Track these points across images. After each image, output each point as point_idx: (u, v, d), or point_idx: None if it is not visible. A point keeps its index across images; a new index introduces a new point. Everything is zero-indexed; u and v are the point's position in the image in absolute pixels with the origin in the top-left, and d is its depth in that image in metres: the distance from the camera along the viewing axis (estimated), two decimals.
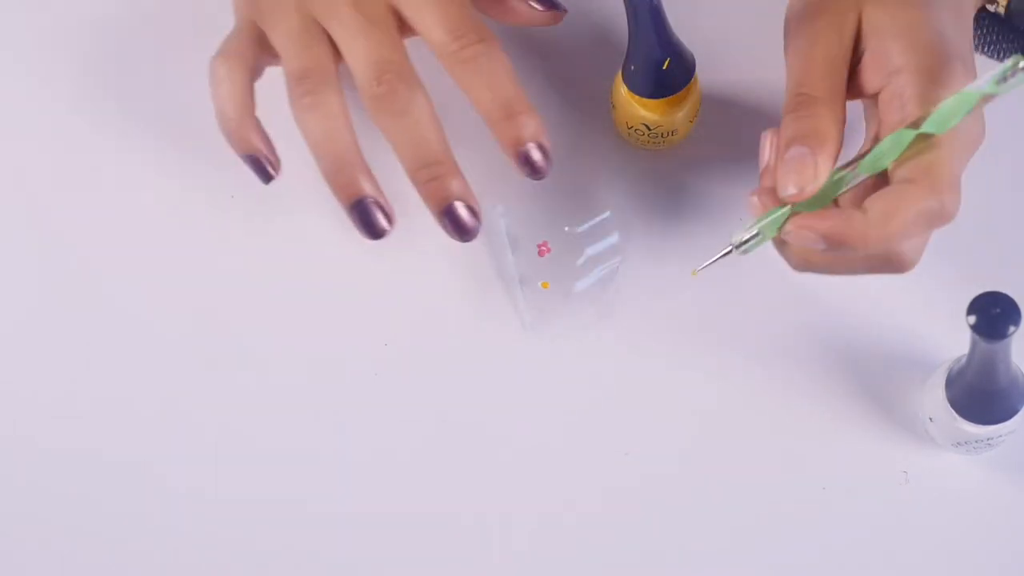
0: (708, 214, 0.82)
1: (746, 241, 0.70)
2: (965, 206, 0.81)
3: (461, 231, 0.75)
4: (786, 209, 0.69)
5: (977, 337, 0.66)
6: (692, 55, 0.78)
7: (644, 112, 0.79)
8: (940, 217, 0.67)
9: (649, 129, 0.80)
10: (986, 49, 0.80)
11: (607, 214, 0.82)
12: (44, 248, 0.84)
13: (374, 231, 0.75)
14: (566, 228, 0.82)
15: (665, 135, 0.80)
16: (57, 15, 0.88)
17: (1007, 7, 0.76)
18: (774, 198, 0.69)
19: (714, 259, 0.72)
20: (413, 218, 0.83)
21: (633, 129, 0.81)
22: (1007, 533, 0.77)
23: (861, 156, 0.69)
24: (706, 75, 0.81)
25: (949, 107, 0.66)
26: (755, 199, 0.70)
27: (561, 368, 0.81)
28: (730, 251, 0.71)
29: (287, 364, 0.82)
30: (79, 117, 0.86)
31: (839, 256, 0.69)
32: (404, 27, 0.77)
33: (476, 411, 0.81)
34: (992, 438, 0.75)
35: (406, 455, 0.80)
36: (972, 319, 0.65)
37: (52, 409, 0.82)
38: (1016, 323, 0.65)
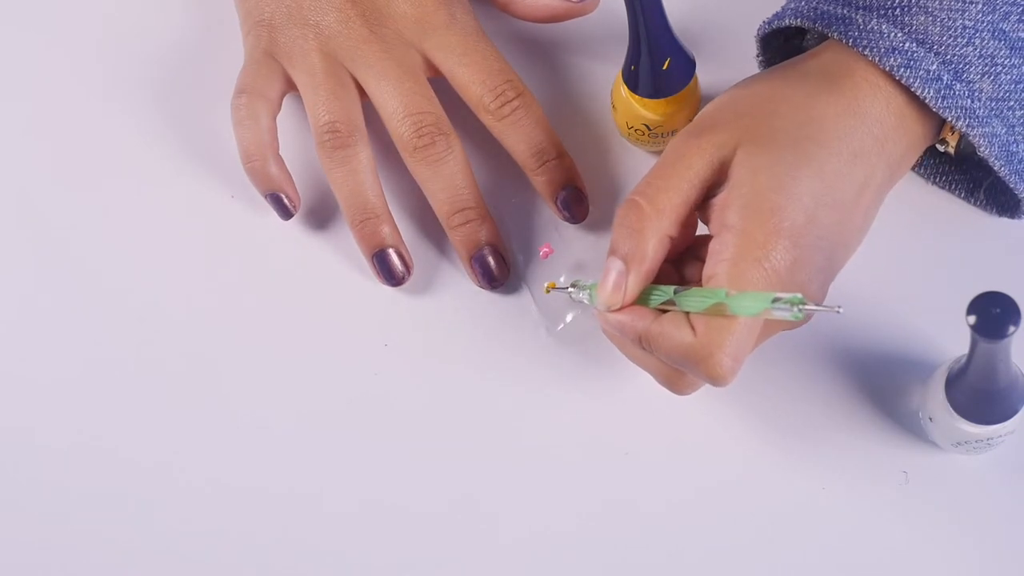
0: None
1: (573, 288, 0.75)
2: (965, 206, 0.81)
3: (490, 278, 0.80)
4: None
5: (977, 337, 0.66)
6: (692, 55, 0.78)
7: (644, 112, 0.79)
8: (706, 374, 0.68)
9: (649, 129, 0.80)
10: (937, 180, 0.80)
11: (610, 216, 0.82)
12: (44, 248, 0.84)
13: (394, 278, 0.80)
14: (577, 231, 0.82)
15: (665, 135, 0.80)
16: (57, 15, 0.88)
17: (956, 148, 0.76)
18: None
19: (564, 288, 0.76)
20: (414, 217, 0.83)
21: (633, 129, 0.81)
22: (1007, 533, 0.77)
23: (686, 287, 0.70)
24: (706, 75, 0.81)
25: (746, 301, 0.67)
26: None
27: (561, 368, 0.81)
28: (568, 289, 0.76)
29: (287, 364, 0.82)
30: (79, 117, 0.87)
31: (633, 347, 0.72)
32: (433, 73, 0.80)
33: (476, 411, 0.80)
34: (992, 438, 0.75)
35: (406, 455, 0.80)
36: (972, 319, 0.65)
37: (52, 408, 0.82)
38: (1016, 323, 0.65)
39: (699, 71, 0.79)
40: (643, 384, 0.80)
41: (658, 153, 0.83)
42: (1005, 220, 0.80)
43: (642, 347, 0.71)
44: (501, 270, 0.80)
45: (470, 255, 0.80)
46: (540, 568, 0.78)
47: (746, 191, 0.69)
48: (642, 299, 0.71)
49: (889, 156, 0.72)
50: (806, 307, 0.67)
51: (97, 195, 0.85)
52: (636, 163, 0.83)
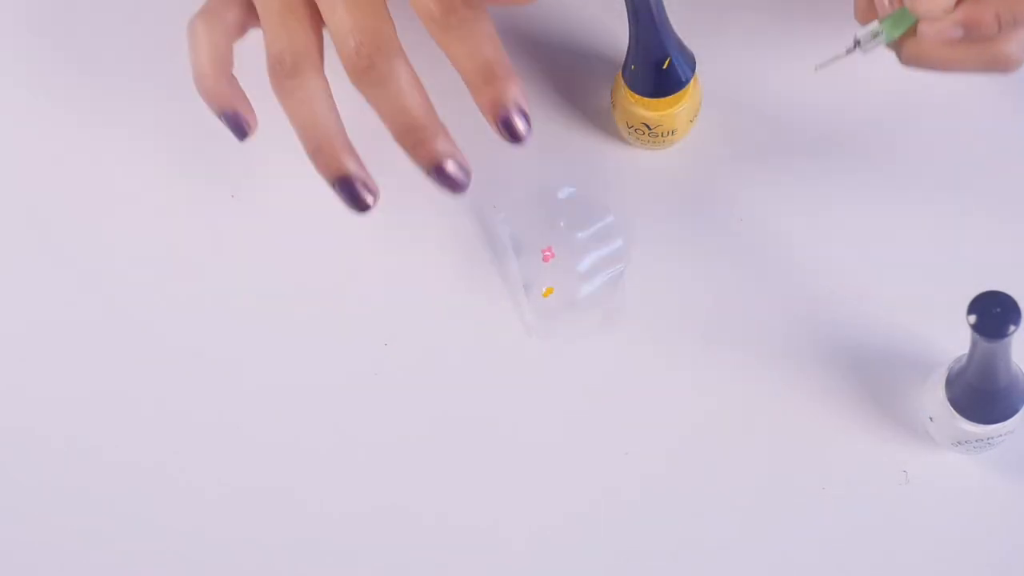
0: (711, 214, 0.82)
1: (871, 38, 0.73)
2: (965, 206, 0.81)
3: (453, 186, 0.76)
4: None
5: (977, 337, 0.66)
6: (692, 54, 0.78)
7: (644, 112, 0.79)
8: None
9: (649, 129, 0.80)
10: None
11: (610, 219, 0.82)
12: (43, 247, 0.84)
13: (359, 205, 0.76)
14: (575, 234, 0.82)
15: (665, 134, 0.80)
16: (57, 13, 0.88)
17: None
18: None
19: (836, 56, 0.74)
20: (414, 217, 0.83)
21: (633, 129, 0.81)
22: (1007, 533, 0.77)
23: None
24: (707, 75, 0.81)
25: None
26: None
27: (560, 367, 0.81)
28: (854, 49, 0.73)
29: (287, 364, 0.82)
30: (79, 116, 0.86)
31: (958, 48, 0.72)
32: None
33: (476, 411, 0.80)
34: (992, 438, 0.75)
35: (406, 455, 0.80)
36: (972, 319, 0.65)
37: (52, 408, 0.82)
38: (1016, 323, 0.65)
39: (700, 71, 0.79)
40: (643, 384, 0.80)
41: (659, 153, 0.83)
42: (1005, 220, 0.80)
43: (999, 28, 0.71)
44: (462, 176, 0.76)
45: (429, 169, 0.76)
46: (540, 568, 0.78)
47: None
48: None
49: None
50: None
51: (97, 194, 0.85)
52: (637, 164, 0.83)
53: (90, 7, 0.88)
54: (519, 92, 0.75)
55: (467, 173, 0.76)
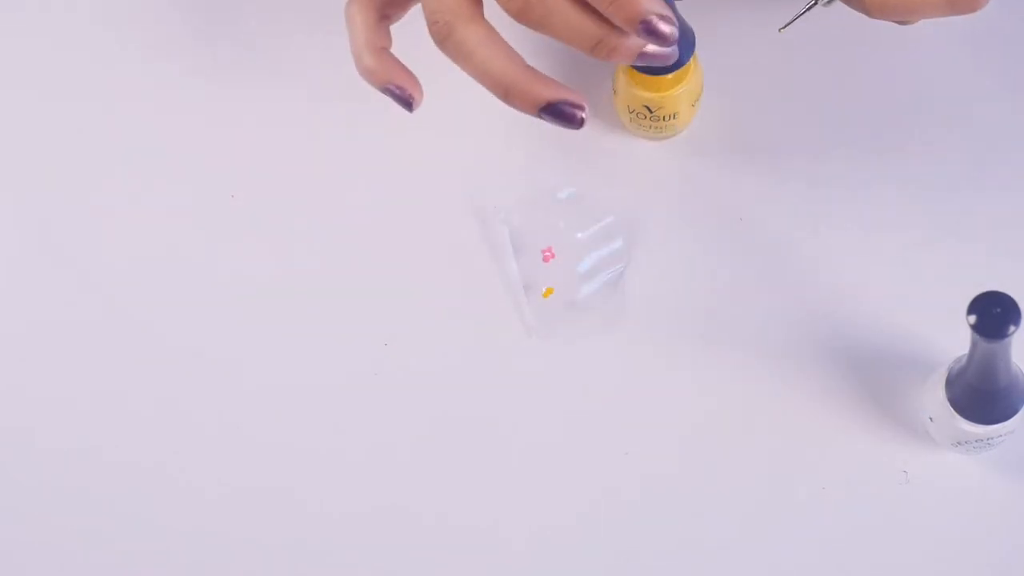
0: (711, 215, 0.82)
1: None
2: (965, 206, 0.81)
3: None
4: None
5: (977, 337, 0.66)
6: (692, 30, 0.77)
7: (646, 93, 0.79)
8: None
9: (651, 112, 0.80)
10: None
11: (610, 219, 0.82)
12: (43, 247, 0.84)
13: (574, 125, 0.71)
14: (575, 234, 0.82)
15: (667, 118, 0.80)
16: (58, 12, 0.88)
17: None
18: None
19: (798, 14, 0.73)
20: (414, 218, 0.83)
21: (635, 113, 0.80)
22: (1007, 533, 0.77)
23: None
24: (709, 66, 0.81)
25: None
26: None
27: (560, 368, 0.81)
28: (814, 3, 0.73)
29: (287, 364, 0.82)
30: (79, 116, 0.87)
31: None
32: None
33: (476, 411, 0.81)
34: (992, 438, 0.75)
35: (406, 455, 0.80)
36: (972, 319, 0.65)
37: (52, 408, 0.82)
38: (1016, 323, 0.65)
39: (702, 63, 0.79)
40: (643, 384, 0.80)
41: (661, 150, 0.83)
42: (1005, 220, 0.80)
43: None
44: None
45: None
46: (540, 568, 0.78)
47: None
48: None
49: None
50: None
51: (97, 194, 0.85)
52: (637, 162, 0.83)
53: (90, 5, 0.88)
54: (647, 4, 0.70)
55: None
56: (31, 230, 0.85)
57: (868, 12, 0.72)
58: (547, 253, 0.82)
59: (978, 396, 0.72)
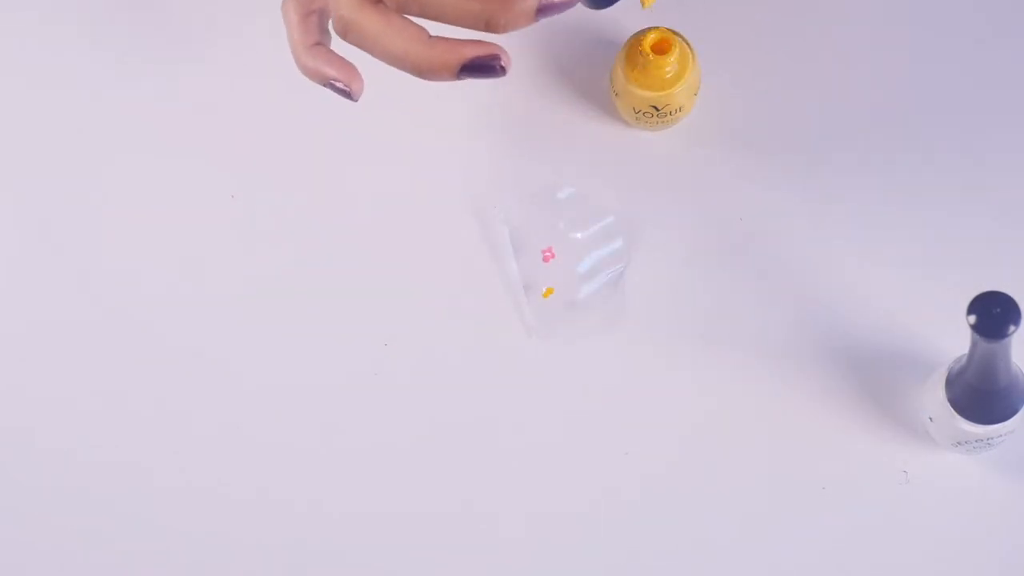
0: (711, 215, 0.82)
1: None
2: (966, 206, 0.81)
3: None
4: None
5: (977, 337, 0.66)
6: None
7: (649, 93, 0.79)
8: None
9: (657, 110, 0.80)
10: None
11: (610, 219, 0.82)
12: (43, 247, 0.84)
13: (497, 73, 0.71)
14: (575, 235, 0.82)
15: (673, 112, 0.80)
16: (58, 11, 0.88)
17: None
18: None
19: None
20: (414, 218, 0.83)
21: (642, 113, 0.81)
22: (1007, 533, 0.77)
23: None
24: (706, 58, 0.81)
25: None
26: None
27: (561, 368, 0.81)
28: None
29: (287, 364, 0.82)
30: (80, 116, 0.86)
31: None
32: None
33: (476, 411, 0.80)
34: (992, 438, 0.75)
35: (406, 454, 0.80)
36: (972, 319, 0.65)
37: (52, 408, 0.82)
38: (1016, 323, 0.65)
39: (699, 55, 0.79)
40: (643, 384, 0.80)
41: (659, 148, 0.83)
42: (1005, 220, 0.80)
43: None
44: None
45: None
46: (540, 568, 0.78)
47: None
48: None
49: None
50: None
51: (97, 194, 0.85)
52: (637, 161, 0.83)
53: (90, 5, 0.88)
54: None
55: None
56: (31, 230, 0.85)
57: None
58: (547, 253, 0.82)
59: (978, 396, 0.72)
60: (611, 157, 0.83)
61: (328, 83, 0.75)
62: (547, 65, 0.84)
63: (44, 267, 0.84)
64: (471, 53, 0.70)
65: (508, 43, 0.84)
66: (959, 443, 0.76)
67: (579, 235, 0.82)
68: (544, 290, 0.81)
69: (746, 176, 0.82)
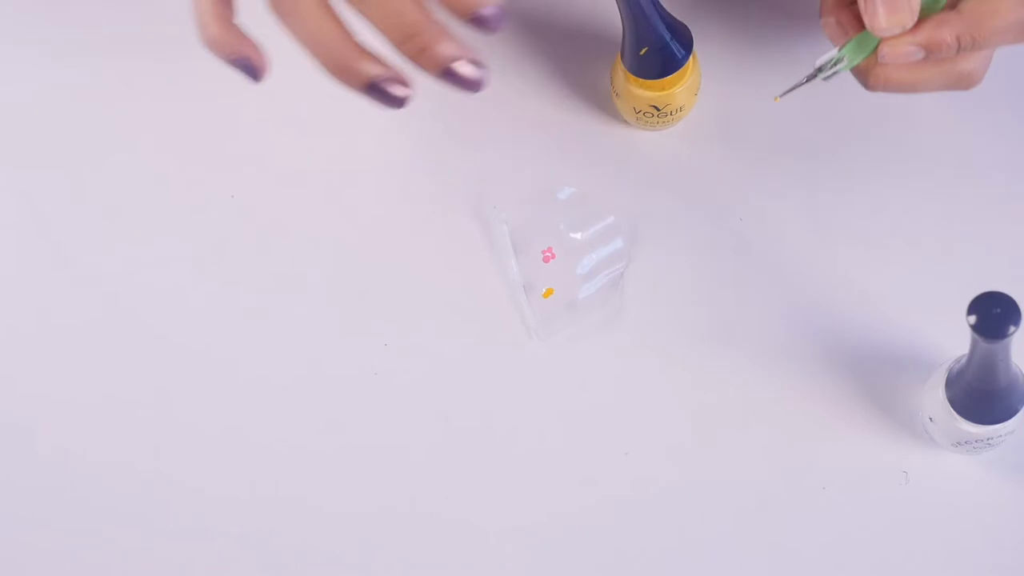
0: (711, 215, 0.82)
1: (831, 65, 0.72)
2: (966, 206, 0.81)
3: (469, 87, 0.70)
4: (874, 38, 0.71)
5: (977, 337, 0.66)
6: (688, 29, 0.78)
7: (651, 94, 0.79)
8: None
9: (658, 110, 0.80)
10: None
11: (610, 219, 0.82)
12: (42, 247, 0.84)
13: (395, 104, 0.71)
14: (575, 235, 0.82)
15: (674, 111, 0.80)
16: (57, 12, 0.88)
17: None
18: (856, 24, 0.72)
19: (796, 84, 0.73)
20: (414, 218, 0.83)
21: (642, 113, 0.81)
22: (1007, 533, 0.77)
23: None
24: (705, 51, 0.81)
25: None
26: (832, 21, 0.72)
27: (561, 367, 0.81)
28: (815, 76, 0.73)
29: (288, 363, 0.82)
30: (78, 115, 0.87)
31: (921, 70, 0.72)
32: None
33: (476, 411, 0.81)
34: (992, 438, 0.75)
35: (406, 455, 0.80)
36: (972, 319, 0.65)
37: (52, 408, 0.82)
38: (1016, 323, 0.65)
39: (697, 44, 0.79)
40: (643, 384, 0.80)
41: (659, 147, 0.83)
42: (1005, 220, 0.80)
43: (958, 49, 0.71)
44: (478, 74, 0.69)
45: (439, 74, 0.70)
46: (540, 568, 0.78)
47: None
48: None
49: None
50: None
51: (96, 195, 0.85)
52: (637, 160, 0.83)
53: (92, 5, 0.88)
54: (452, 45, 0.69)
55: (481, 70, 0.70)
56: (31, 230, 0.85)
57: (867, 86, 0.74)
58: (547, 253, 0.82)
59: (978, 396, 0.72)
60: (611, 157, 0.83)
61: (238, 59, 0.73)
62: (547, 65, 0.84)
63: (43, 266, 0.84)
64: (389, 74, 0.69)
65: (509, 42, 0.85)
66: (959, 443, 0.76)
67: (579, 235, 0.82)
68: (544, 290, 0.81)
69: (746, 176, 0.82)
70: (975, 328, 0.66)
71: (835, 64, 0.72)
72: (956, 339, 0.72)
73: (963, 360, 0.72)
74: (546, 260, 0.82)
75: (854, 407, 0.79)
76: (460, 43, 0.69)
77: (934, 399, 0.75)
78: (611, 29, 0.80)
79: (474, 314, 0.82)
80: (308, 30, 0.71)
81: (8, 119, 0.87)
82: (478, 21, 0.69)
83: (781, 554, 0.78)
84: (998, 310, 0.65)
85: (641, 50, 0.77)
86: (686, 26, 0.78)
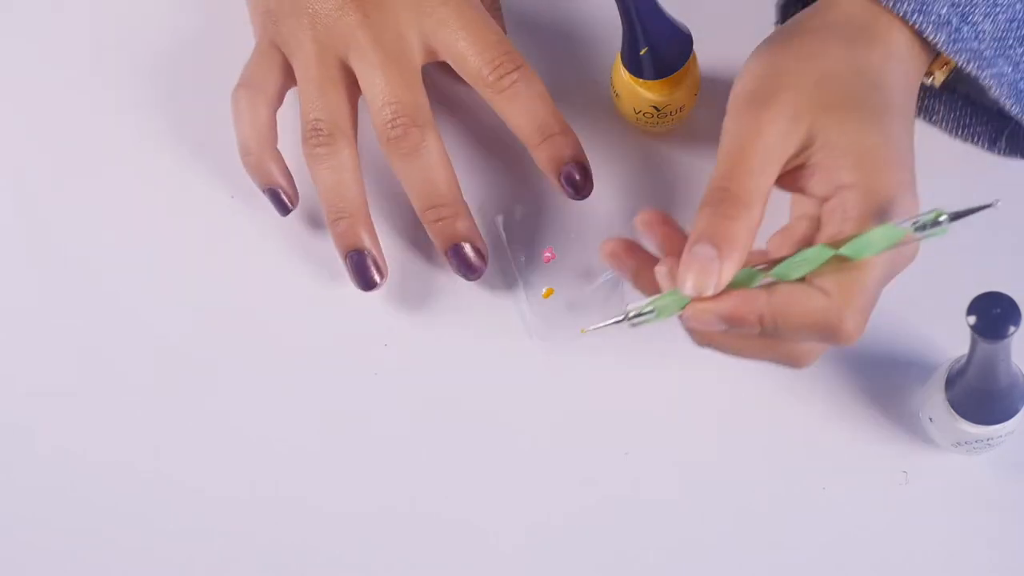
0: None
1: (640, 315, 0.68)
2: (965, 205, 0.81)
3: (467, 269, 0.79)
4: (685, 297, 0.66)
5: (977, 337, 0.66)
6: (687, 29, 0.78)
7: (650, 94, 0.79)
8: (837, 336, 0.65)
9: (658, 110, 0.80)
10: (959, 133, 0.79)
11: (610, 219, 0.82)
12: (42, 247, 0.84)
13: (366, 282, 0.79)
14: (572, 235, 0.82)
15: (673, 112, 0.80)
16: (57, 10, 0.88)
17: (943, 82, 0.76)
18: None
19: (603, 324, 0.70)
20: (414, 218, 0.83)
21: (642, 113, 0.81)
22: (1007, 533, 0.77)
23: (777, 261, 0.67)
24: (704, 49, 0.81)
25: (874, 238, 0.64)
26: (663, 269, 0.67)
27: (561, 367, 0.81)
28: (621, 321, 0.69)
29: (287, 364, 0.82)
30: (78, 116, 0.87)
31: (739, 339, 0.68)
32: (430, 55, 0.79)
33: (476, 411, 0.80)
34: (992, 438, 0.75)
35: (406, 455, 0.80)
36: (972, 319, 0.65)
37: (51, 408, 0.82)
38: (1016, 323, 0.65)
39: (696, 40, 0.79)
40: (643, 384, 0.80)
41: (666, 133, 0.83)
42: (1005, 220, 0.80)
43: (760, 329, 0.66)
44: (478, 262, 0.79)
45: (446, 248, 0.79)
46: (540, 568, 0.78)
47: (848, 150, 0.66)
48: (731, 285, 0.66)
49: (914, 92, 0.71)
50: (958, 211, 0.64)
51: (96, 195, 0.85)
52: (636, 159, 0.83)
53: (90, 9, 0.88)
54: (575, 146, 0.78)
55: (483, 259, 0.79)
56: (30, 230, 0.85)
57: (694, 342, 0.70)
58: (547, 253, 0.82)
59: (978, 396, 0.72)
60: (611, 157, 0.83)
61: (271, 188, 0.79)
62: (547, 65, 0.84)
63: (43, 266, 0.84)
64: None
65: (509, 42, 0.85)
66: (959, 443, 0.76)
67: (584, 235, 0.82)
68: (544, 290, 0.81)
69: None
70: (975, 328, 0.66)
71: (644, 315, 0.68)
72: (956, 339, 0.72)
73: (963, 360, 0.72)
74: (546, 260, 0.82)
75: (854, 407, 0.79)
76: (474, 227, 0.79)
77: (934, 399, 0.75)
78: (611, 29, 0.80)
79: (474, 314, 0.82)
80: (331, 181, 0.79)
81: (8, 119, 0.87)
82: (567, 182, 0.79)
83: (781, 554, 0.78)
84: (998, 310, 0.66)
85: (641, 50, 0.77)
86: (686, 26, 0.78)
